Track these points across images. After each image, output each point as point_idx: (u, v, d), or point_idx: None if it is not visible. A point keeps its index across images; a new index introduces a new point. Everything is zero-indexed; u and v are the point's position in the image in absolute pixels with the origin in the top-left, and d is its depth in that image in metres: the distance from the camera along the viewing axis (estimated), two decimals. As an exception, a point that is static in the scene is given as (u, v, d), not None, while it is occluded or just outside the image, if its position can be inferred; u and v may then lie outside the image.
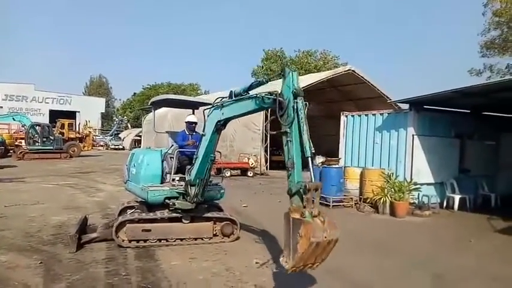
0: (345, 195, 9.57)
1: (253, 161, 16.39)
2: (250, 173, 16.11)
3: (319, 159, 10.63)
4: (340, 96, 23.11)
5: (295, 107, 3.66)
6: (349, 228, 7.48)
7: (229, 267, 4.83)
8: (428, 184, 9.45)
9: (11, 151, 24.37)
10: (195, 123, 6.77)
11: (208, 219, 5.92)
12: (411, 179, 8.92)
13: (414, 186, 8.70)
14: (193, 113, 7.01)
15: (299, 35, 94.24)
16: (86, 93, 72.65)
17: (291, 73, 3.80)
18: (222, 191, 6.32)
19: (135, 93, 62.77)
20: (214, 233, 5.93)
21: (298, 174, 3.62)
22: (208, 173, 5.56)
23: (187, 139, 6.62)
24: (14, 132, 29.43)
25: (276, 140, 22.59)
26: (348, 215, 8.70)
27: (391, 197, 8.57)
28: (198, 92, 57.21)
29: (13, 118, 26.26)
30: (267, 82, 4.60)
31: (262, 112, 17.50)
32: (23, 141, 24.90)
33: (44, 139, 23.37)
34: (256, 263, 5.04)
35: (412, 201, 8.89)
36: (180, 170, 6.10)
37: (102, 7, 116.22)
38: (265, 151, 17.79)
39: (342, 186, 9.54)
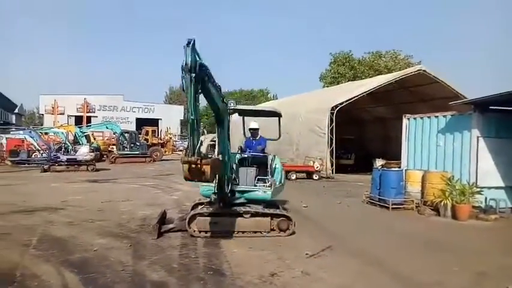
0: (405, 198, 9.63)
1: (318, 164, 16.78)
2: (315, 176, 16.53)
3: (379, 162, 10.78)
4: (411, 98, 22.35)
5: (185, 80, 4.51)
6: (406, 229, 7.71)
7: (281, 257, 5.51)
8: (496, 188, 9.10)
9: (105, 156, 27.77)
10: (256, 129, 7.60)
11: (266, 215, 6.66)
12: (475, 182, 8.73)
13: (477, 189, 8.50)
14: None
15: (369, 36, 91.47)
16: (166, 101, 78.40)
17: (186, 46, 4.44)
18: (269, 192, 6.78)
19: (210, 101, 66.30)
20: (272, 227, 6.64)
21: None
22: (229, 172, 6.25)
23: (251, 145, 7.52)
24: (107, 139, 33.36)
25: (344, 143, 22.71)
26: (407, 217, 8.81)
27: (452, 200, 8.49)
28: (268, 96, 58.68)
29: (106, 126, 29.95)
30: None
31: (327, 115, 17.88)
32: (114, 147, 28.28)
33: (132, 145, 26.25)
34: (306, 254, 5.64)
35: (476, 205, 8.68)
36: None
37: (174, 20, 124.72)
38: (331, 155, 18.02)
39: (402, 189, 9.63)
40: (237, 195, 6.70)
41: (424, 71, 19.16)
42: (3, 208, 8.78)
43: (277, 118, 7.79)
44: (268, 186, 6.82)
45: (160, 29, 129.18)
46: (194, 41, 4.57)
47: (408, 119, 11.07)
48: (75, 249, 5.72)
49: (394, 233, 7.39)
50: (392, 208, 9.29)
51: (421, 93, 21.60)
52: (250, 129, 7.72)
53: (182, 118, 63.44)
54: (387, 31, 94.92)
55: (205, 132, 57.84)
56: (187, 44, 4.50)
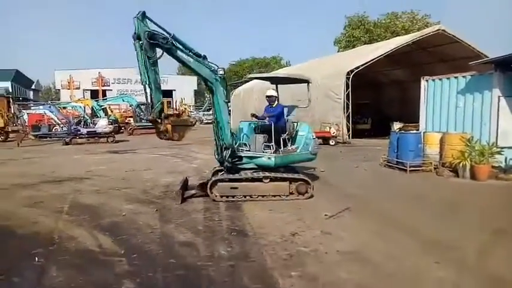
0: (423, 161, 9.64)
1: (334, 130, 16.74)
2: (332, 142, 16.55)
3: (396, 125, 10.72)
4: (431, 58, 21.74)
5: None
6: (424, 190, 7.79)
7: (301, 218, 5.70)
8: (518, 147, 9.00)
9: (123, 128, 28.27)
10: (272, 96, 7.62)
11: (284, 179, 6.81)
12: (495, 142, 8.64)
13: (496, 150, 8.43)
14: (275, 87, 8.03)
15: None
16: (179, 72, 78.13)
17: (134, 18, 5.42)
18: (272, 159, 6.80)
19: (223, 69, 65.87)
20: (290, 191, 6.81)
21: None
22: (229, 138, 6.56)
23: (268, 112, 7.57)
24: (124, 112, 33.81)
25: (361, 108, 22.46)
26: (425, 179, 8.85)
27: (471, 161, 8.47)
28: (281, 63, 57.80)
29: (122, 99, 30.29)
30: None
31: (343, 81, 17.64)
32: (131, 119, 28.71)
33: (149, 116, 26.55)
34: (325, 215, 5.81)
35: (496, 165, 8.64)
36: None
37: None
38: (348, 120, 17.92)
39: (420, 151, 9.61)
40: (245, 160, 6.89)
41: (443, 30, 18.51)
42: (34, 179, 9.20)
43: (305, 84, 7.97)
44: (273, 153, 6.82)
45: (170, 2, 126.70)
46: (144, 12, 5.43)
47: (427, 80, 10.87)
48: (104, 214, 6.04)
49: (412, 194, 7.48)
50: (410, 171, 9.33)
51: (440, 54, 20.98)
52: (266, 96, 7.74)
53: (196, 88, 63.49)
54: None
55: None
56: (136, 16, 5.38)
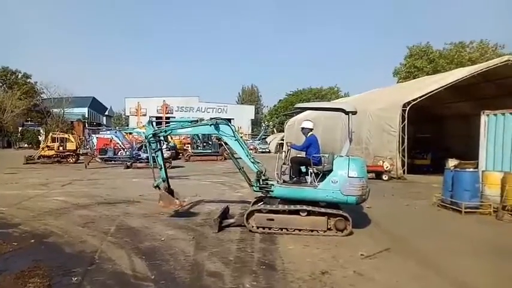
0: (482, 202, 8.88)
1: (388, 164, 16.08)
2: (385, 177, 15.87)
3: (452, 162, 10.06)
4: (499, 91, 20.25)
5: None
6: (477, 235, 7.16)
7: (335, 256, 5.52)
8: None
9: (180, 154, 29.61)
10: (304, 128, 7.57)
11: (323, 214, 6.67)
12: None
13: None
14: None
15: (450, 26, 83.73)
16: (238, 101, 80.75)
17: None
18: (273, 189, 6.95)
19: (280, 100, 66.92)
20: (329, 227, 6.64)
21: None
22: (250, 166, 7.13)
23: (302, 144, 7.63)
24: (183, 138, 35.49)
25: (421, 142, 21.36)
26: (482, 222, 8.12)
27: (537, 206, 7.65)
28: (338, 94, 57.31)
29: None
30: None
31: (398, 113, 17.05)
32: (189, 146, 30.02)
33: (205, 144, 27.66)
34: (361, 255, 5.57)
35: None
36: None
37: (252, 18, 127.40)
38: (403, 154, 17.14)
39: (477, 192, 8.88)
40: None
41: (512, 61, 17.27)
42: (91, 200, 9.98)
43: (346, 115, 7.05)
44: (282, 183, 6.85)
45: (231, 35, 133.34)
46: (151, 122, 7.95)
47: (487, 115, 10.16)
48: (145, 238, 6.35)
49: (463, 238, 6.89)
50: (465, 212, 8.63)
51: (510, 87, 19.49)
52: (301, 127, 7.75)
53: (253, 118, 64.94)
54: (472, 17, 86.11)
55: (275, 131, 58.77)
56: (147, 123, 7.97)
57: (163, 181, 7.84)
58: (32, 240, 6.13)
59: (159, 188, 7.77)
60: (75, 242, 6.06)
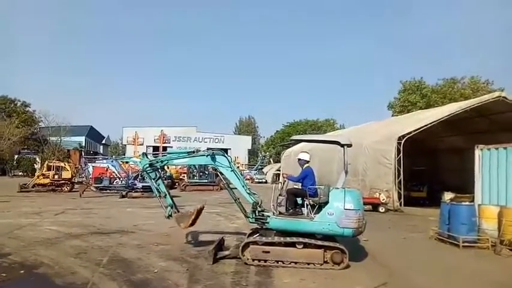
0: (479, 236, 8.82)
1: (384, 196, 16.04)
2: (381, 209, 15.78)
3: (448, 195, 10.07)
4: (492, 126, 20.57)
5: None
6: (475, 269, 7.08)
7: (332, 290, 5.42)
8: None
9: (176, 183, 29.42)
10: (300, 159, 7.63)
11: (319, 246, 6.59)
12: None
13: None
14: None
15: (443, 62, 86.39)
16: (236, 132, 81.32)
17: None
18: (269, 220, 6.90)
19: (277, 131, 67.45)
20: (325, 259, 6.54)
21: None
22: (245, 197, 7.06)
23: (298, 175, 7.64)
24: (180, 168, 35.38)
25: (416, 175, 21.41)
26: (479, 256, 8.02)
27: (534, 240, 7.60)
28: (334, 126, 57.91)
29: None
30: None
31: (394, 146, 17.20)
32: (185, 175, 29.91)
33: (201, 174, 27.59)
34: (357, 289, 5.47)
35: None
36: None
37: (242, 53, 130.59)
38: (399, 186, 17.14)
39: (474, 225, 8.85)
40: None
41: (504, 97, 17.72)
42: (84, 230, 9.82)
43: (342, 148, 7.08)
44: (277, 215, 6.81)
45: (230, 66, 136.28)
46: (145, 153, 8.06)
47: (481, 149, 10.29)
48: (138, 270, 6.22)
49: (461, 272, 6.80)
50: (463, 246, 8.55)
51: (502, 122, 19.83)
52: (297, 159, 7.79)
53: (250, 148, 65.17)
54: (464, 54, 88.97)
55: (272, 161, 58.82)
56: (141, 155, 8.05)
57: (172, 207, 7.80)
58: (22, 271, 5.99)
59: (171, 217, 7.76)
60: (66, 273, 5.92)
